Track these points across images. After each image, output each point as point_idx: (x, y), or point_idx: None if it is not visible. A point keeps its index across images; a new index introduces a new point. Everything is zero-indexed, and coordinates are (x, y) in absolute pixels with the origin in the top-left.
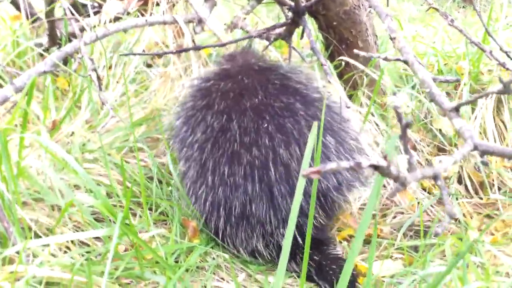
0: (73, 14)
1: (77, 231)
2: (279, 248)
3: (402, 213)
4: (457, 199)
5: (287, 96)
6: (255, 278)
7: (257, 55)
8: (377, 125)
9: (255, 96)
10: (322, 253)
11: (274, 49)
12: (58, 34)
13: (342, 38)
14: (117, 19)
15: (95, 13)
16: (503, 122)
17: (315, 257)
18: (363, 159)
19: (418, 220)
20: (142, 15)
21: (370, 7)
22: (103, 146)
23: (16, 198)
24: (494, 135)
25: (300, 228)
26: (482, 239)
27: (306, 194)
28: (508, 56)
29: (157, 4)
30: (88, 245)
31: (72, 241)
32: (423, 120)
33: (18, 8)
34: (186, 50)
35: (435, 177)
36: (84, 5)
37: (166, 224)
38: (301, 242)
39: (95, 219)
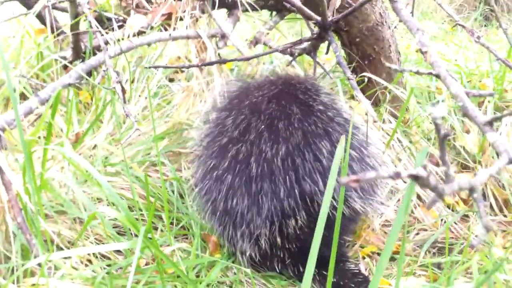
0: (98, 28)
1: (98, 244)
2: (271, 253)
3: (425, 230)
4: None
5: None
6: None
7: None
8: (399, 141)
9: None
10: (340, 270)
11: (297, 64)
12: (82, 47)
13: (365, 55)
14: (140, 33)
15: (119, 27)
16: None
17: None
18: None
19: (441, 237)
20: (166, 29)
21: (397, 23)
22: (126, 159)
23: (39, 210)
24: None
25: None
26: (507, 256)
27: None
28: None
29: (181, 19)
30: (110, 259)
31: (93, 254)
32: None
33: (42, 21)
34: (211, 63)
35: (471, 190)
36: (109, 19)
37: (187, 239)
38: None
39: (117, 233)
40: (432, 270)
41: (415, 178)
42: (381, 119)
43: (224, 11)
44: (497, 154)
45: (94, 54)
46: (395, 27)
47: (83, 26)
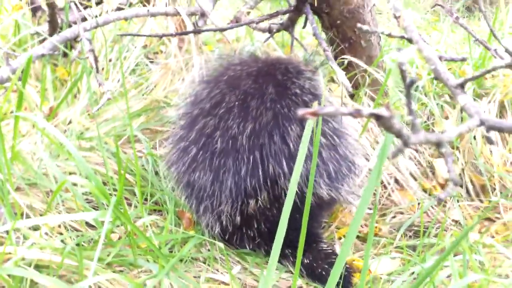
0: (75, 4)
1: None
2: (240, 232)
3: (402, 213)
4: (458, 201)
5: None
6: (251, 271)
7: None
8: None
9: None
10: (313, 251)
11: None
12: (59, 22)
13: (345, 37)
14: (119, 9)
15: (98, 4)
16: None
17: (305, 254)
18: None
19: (418, 221)
20: (145, 6)
21: (374, 4)
22: (99, 133)
23: (8, 179)
24: (496, 139)
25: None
26: (483, 240)
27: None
28: None
29: None
30: (81, 231)
31: (64, 227)
32: (425, 122)
33: None
34: (186, 33)
35: (438, 144)
36: None
37: (161, 215)
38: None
39: (91, 207)
40: (407, 252)
41: (377, 117)
42: (360, 103)
43: None
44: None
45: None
46: (378, 13)
47: (61, 2)
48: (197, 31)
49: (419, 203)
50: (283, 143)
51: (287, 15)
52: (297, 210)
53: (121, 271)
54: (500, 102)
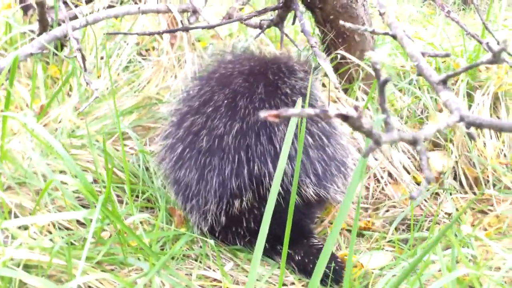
0: (64, 2)
1: None
2: (228, 230)
3: (395, 207)
4: (451, 194)
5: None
6: (243, 268)
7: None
8: (371, 119)
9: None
10: (305, 246)
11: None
12: (50, 21)
13: (339, 32)
14: (110, 7)
15: (89, 2)
16: (499, 118)
17: (296, 250)
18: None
19: (410, 215)
20: (136, 3)
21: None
22: (89, 131)
23: None
24: (490, 131)
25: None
26: (475, 233)
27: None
28: (505, 51)
29: None
30: (71, 230)
31: (54, 225)
32: (419, 116)
33: None
34: (175, 31)
35: (414, 142)
36: None
37: (153, 213)
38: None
39: (81, 206)
40: (399, 246)
41: (345, 118)
42: (354, 97)
43: None
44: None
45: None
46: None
47: (51, 1)
48: (186, 29)
49: (411, 197)
50: (269, 143)
51: (276, 12)
52: (283, 209)
53: (111, 269)
54: (494, 94)
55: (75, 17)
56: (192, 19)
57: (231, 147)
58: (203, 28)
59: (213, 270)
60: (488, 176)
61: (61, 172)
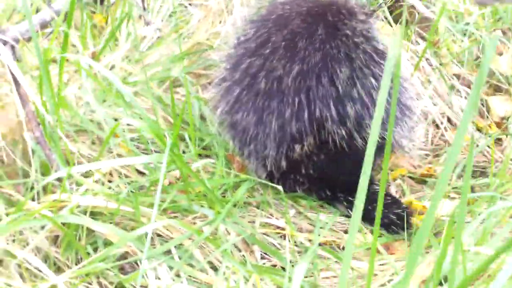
0: None
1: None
2: (286, 174)
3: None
4: None
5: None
6: (306, 215)
7: None
8: (429, 63)
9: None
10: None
11: None
12: None
13: None
14: None
15: None
16: None
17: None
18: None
19: (475, 161)
20: None
21: None
22: (146, 77)
23: (58, 124)
24: None
25: None
26: None
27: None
28: None
29: None
30: (131, 178)
31: (111, 174)
32: (478, 58)
33: None
34: None
35: None
36: None
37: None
38: None
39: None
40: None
41: None
42: (409, 40)
43: None
44: None
45: None
46: None
47: None
48: None
49: (474, 143)
50: (331, 85)
51: None
52: (345, 155)
53: (175, 217)
54: None
55: None
56: None
57: (291, 89)
58: None
59: (276, 218)
60: None
61: (116, 120)
